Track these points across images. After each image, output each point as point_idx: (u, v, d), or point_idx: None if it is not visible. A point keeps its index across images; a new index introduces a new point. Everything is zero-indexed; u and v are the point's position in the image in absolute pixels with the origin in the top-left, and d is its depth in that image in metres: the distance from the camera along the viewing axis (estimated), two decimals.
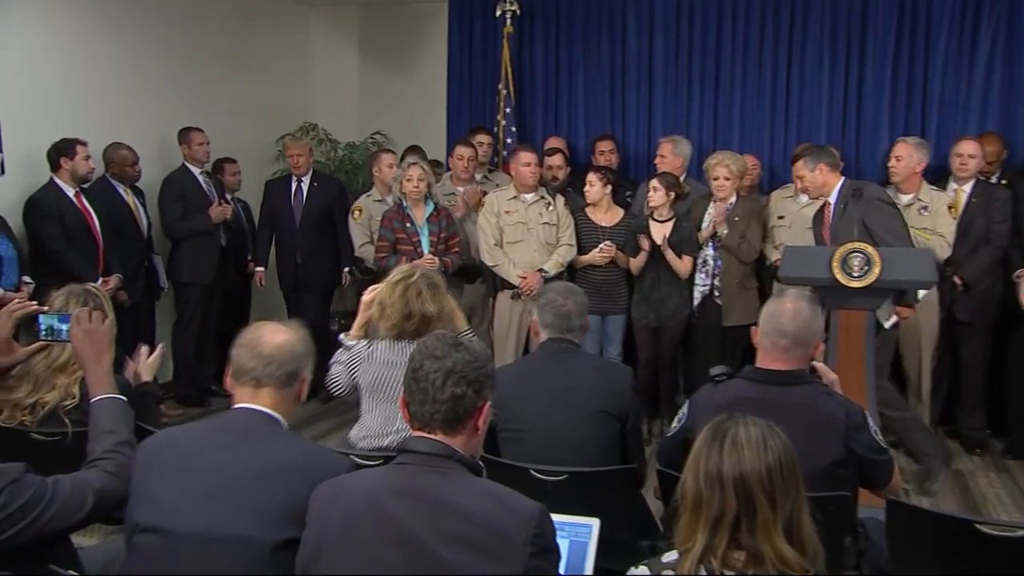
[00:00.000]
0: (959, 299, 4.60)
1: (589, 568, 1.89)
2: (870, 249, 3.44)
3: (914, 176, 4.53)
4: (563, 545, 1.89)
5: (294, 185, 5.65)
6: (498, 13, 6.11)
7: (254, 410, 1.87)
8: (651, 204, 4.69)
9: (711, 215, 4.73)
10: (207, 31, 5.95)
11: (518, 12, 6.09)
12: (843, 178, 4.08)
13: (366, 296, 2.97)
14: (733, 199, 4.76)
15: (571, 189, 5.20)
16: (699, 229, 4.71)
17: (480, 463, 1.72)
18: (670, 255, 4.58)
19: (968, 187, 4.62)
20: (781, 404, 2.20)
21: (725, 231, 4.68)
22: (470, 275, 5.09)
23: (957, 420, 4.82)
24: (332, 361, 2.94)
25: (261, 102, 6.41)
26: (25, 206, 4.46)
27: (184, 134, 5.39)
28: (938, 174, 4.86)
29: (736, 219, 4.70)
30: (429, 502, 1.58)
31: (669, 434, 2.51)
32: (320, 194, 5.63)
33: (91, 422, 1.96)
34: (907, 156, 4.49)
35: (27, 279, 4.26)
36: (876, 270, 3.40)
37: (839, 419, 2.26)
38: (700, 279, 4.71)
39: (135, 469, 1.82)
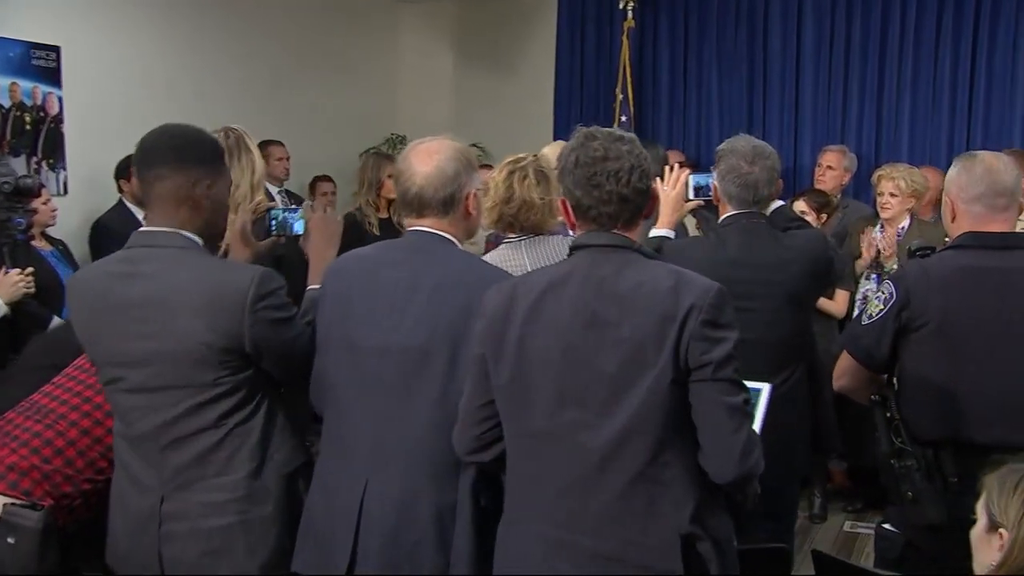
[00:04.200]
0: None
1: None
2: None
3: None
4: None
5: None
6: (620, 5, 6.11)
7: (421, 231, 2.20)
8: None
9: (875, 241, 4.54)
10: (285, 31, 6.08)
11: (633, 3, 6.07)
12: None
13: None
14: (905, 223, 4.56)
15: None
16: (857, 257, 4.54)
17: (654, 251, 2.06)
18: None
19: None
20: (1008, 270, 2.35)
21: (895, 266, 4.46)
22: None
23: None
24: None
25: (343, 111, 6.52)
26: (91, 229, 4.64)
27: (262, 148, 5.53)
28: None
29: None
30: (606, 281, 1.84)
31: (872, 318, 2.45)
32: None
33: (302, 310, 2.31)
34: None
35: None
36: None
37: None
38: None
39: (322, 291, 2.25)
